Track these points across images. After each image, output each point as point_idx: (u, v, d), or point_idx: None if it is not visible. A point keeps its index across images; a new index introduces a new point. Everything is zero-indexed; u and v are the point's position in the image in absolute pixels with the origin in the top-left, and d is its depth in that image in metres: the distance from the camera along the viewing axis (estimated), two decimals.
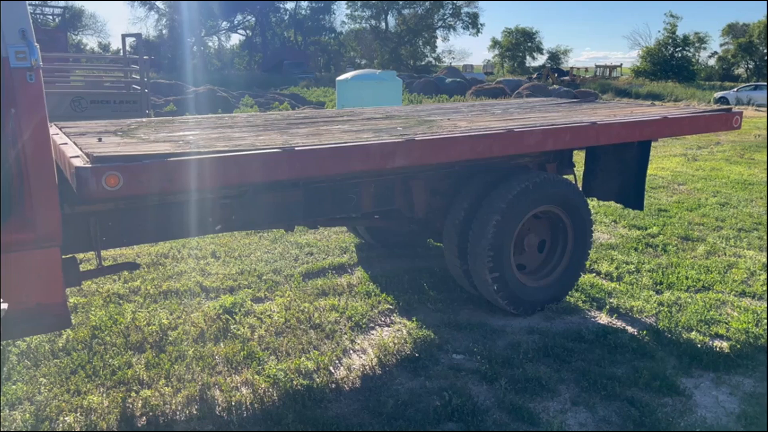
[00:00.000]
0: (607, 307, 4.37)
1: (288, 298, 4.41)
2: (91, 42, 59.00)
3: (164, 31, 53.28)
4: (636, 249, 5.75)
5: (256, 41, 57.04)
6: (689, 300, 4.51)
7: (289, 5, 57.09)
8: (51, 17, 38.96)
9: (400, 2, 59.71)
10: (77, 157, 2.84)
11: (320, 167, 3.24)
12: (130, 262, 3.81)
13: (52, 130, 3.74)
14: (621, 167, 4.88)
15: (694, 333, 3.98)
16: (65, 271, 3.13)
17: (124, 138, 3.46)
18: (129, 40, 18.47)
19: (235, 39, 60.62)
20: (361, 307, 4.26)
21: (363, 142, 3.40)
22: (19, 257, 2.74)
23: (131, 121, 4.39)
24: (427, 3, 59.24)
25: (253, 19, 56.36)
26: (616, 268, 5.16)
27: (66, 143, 3.21)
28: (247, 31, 58.00)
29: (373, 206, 4.14)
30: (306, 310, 4.21)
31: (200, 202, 3.53)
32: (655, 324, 4.13)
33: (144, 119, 4.75)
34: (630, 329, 4.06)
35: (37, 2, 45.04)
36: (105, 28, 56.74)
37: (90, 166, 2.66)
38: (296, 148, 3.13)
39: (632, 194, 4.87)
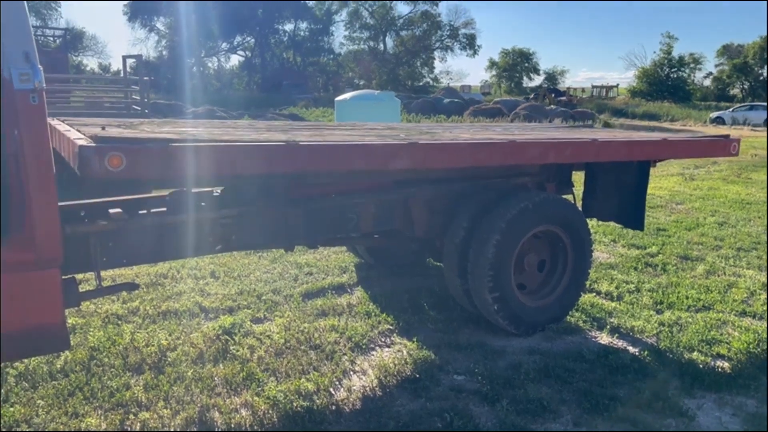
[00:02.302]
0: (608, 327, 4.36)
1: (288, 319, 4.39)
2: (91, 63, 59.49)
3: (164, 52, 53.69)
4: (635, 268, 5.75)
5: (255, 62, 57.47)
6: (690, 320, 4.50)
7: (288, 27, 57.60)
8: (52, 39, 39.31)
9: (398, 24, 60.39)
10: (81, 138, 2.83)
11: (322, 163, 3.24)
12: (130, 283, 3.79)
13: (54, 121, 3.75)
14: (620, 188, 4.90)
15: (695, 353, 3.96)
16: (65, 292, 3.11)
17: (127, 129, 3.47)
18: (129, 61, 18.64)
19: (235, 60, 61.07)
20: (361, 328, 4.24)
21: (366, 142, 3.43)
22: (19, 278, 2.73)
23: (135, 120, 4.41)
24: (425, 25, 59.88)
25: (253, 40, 56.84)
26: (616, 288, 5.15)
27: (69, 130, 3.21)
28: (247, 52, 58.47)
29: (372, 226, 4.15)
30: (306, 330, 4.19)
31: (200, 222, 3.54)
32: (656, 344, 4.11)
33: (146, 119, 4.78)
34: (631, 349, 4.04)
35: (38, 24, 45.44)
36: (105, 50, 57.32)
37: (94, 145, 2.65)
38: (300, 142, 3.14)
39: (632, 214, 4.88)
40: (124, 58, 15.74)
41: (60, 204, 3.69)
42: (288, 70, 55.30)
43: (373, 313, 4.51)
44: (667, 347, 4.05)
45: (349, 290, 5.09)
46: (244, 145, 2.99)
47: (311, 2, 57.75)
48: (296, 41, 57.33)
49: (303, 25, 57.87)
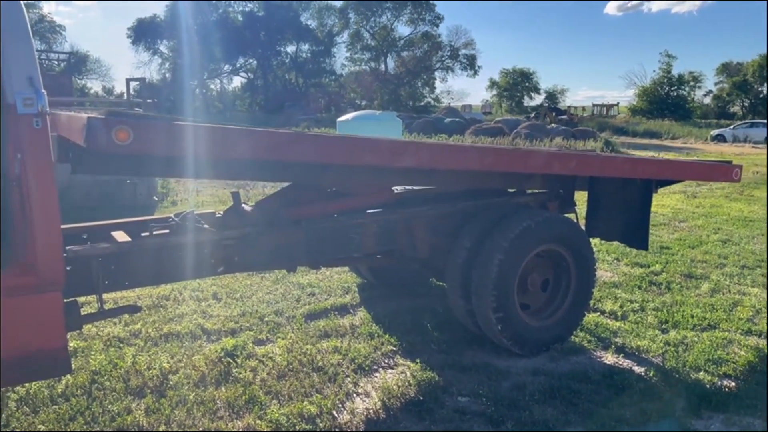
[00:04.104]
0: (613, 346, 4.32)
1: (290, 340, 4.36)
2: (95, 86, 60.01)
3: (167, 75, 54.15)
4: (639, 287, 5.72)
5: (257, 83, 57.93)
6: (696, 339, 4.46)
7: (290, 48, 58.17)
8: (57, 62, 39.70)
9: (399, 45, 60.93)
10: (88, 116, 2.85)
11: (328, 154, 3.27)
12: (131, 305, 3.78)
13: (59, 110, 3.74)
14: (624, 207, 4.89)
15: (702, 373, 3.92)
16: (66, 315, 3.10)
17: None
18: (133, 84, 18.80)
19: (237, 81, 61.54)
20: (364, 349, 4.22)
21: (373, 138, 3.47)
22: (21, 302, 2.72)
23: None
24: (426, 45, 60.40)
25: (255, 62, 57.35)
26: (621, 307, 5.12)
27: (74, 115, 3.21)
28: (249, 74, 58.96)
29: (375, 246, 4.15)
30: (308, 352, 4.16)
31: (202, 244, 3.54)
32: (662, 364, 4.08)
33: None
34: (637, 369, 4.00)
35: (43, 48, 45.90)
36: (109, 73, 57.81)
37: (102, 117, 2.66)
38: (307, 133, 3.17)
39: (636, 234, 4.86)
40: (128, 80, 15.92)
41: (63, 227, 3.72)
42: (290, 91, 55.68)
43: (376, 334, 4.48)
44: (673, 367, 4.01)
45: (351, 311, 5.06)
46: (251, 130, 3.08)
47: (313, 24, 58.44)
48: (298, 63, 57.83)
49: (305, 47, 58.47)
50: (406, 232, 4.26)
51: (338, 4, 59.29)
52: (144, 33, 52.87)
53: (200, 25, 50.52)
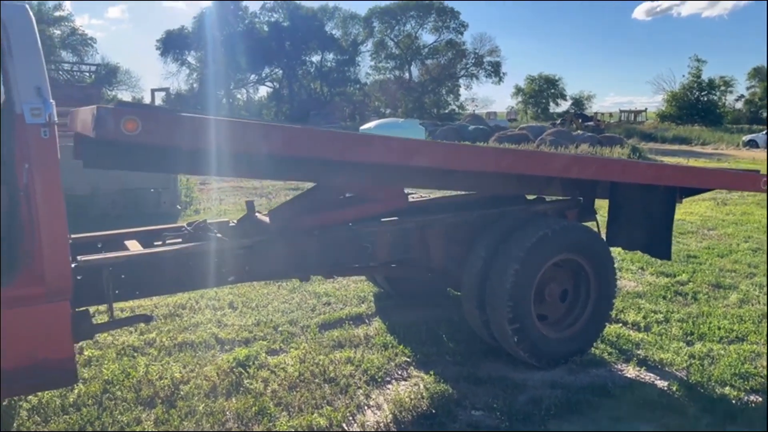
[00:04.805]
0: (635, 359, 4.18)
1: (303, 351, 4.31)
2: (125, 96, 61.03)
3: (195, 85, 55.09)
4: (664, 297, 5.55)
5: (283, 93, 58.52)
6: (722, 352, 4.29)
7: (315, 58, 58.69)
8: (88, 74, 40.62)
9: (423, 53, 61.00)
10: (97, 106, 2.86)
11: (340, 150, 3.25)
12: (144, 315, 3.77)
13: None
14: (646, 216, 4.72)
15: (728, 388, 3.76)
16: (77, 325, 3.10)
17: None
18: (159, 95, 19.10)
19: (263, 91, 62.29)
20: (378, 360, 4.15)
21: (386, 137, 3.42)
22: (28, 312, 2.73)
23: None
24: (450, 53, 60.37)
25: (281, 71, 57.99)
26: (644, 318, 4.96)
27: (86, 108, 3.22)
28: (275, 84, 59.63)
29: (389, 255, 4.08)
30: (321, 362, 4.10)
31: (214, 253, 3.52)
32: (686, 378, 3.92)
33: None
34: (659, 383, 3.86)
35: (75, 60, 47.04)
36: (139, 83, 58.91)
37: (111, 107, 2.68)
38: (318, 129, 3.14)
39: (659, 244, 4.69)
40: (153, 91, 16.19)
41: (74, 236, 3.74)
42: (315, 100, 56.14)
43: (390, 345, 4.41)
44: (698, 381, 3.86)
45: (366, 321, 5.00)
46: (261, 123, 3.13)
47: (338, 34, 58.89)
48: (323, 72, 58.32)
49: (330, 56, 58.99)
50: (421, 240, 4.18)
51: (363, 12, 59.71)
52: (172, 44, 53.93)
53: (227, 35, 51.31)
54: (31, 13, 2.76)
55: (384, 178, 3.85)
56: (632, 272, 6.42)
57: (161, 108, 3.22)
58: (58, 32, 54.84)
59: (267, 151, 3.10)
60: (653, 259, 6.66)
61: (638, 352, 4.32)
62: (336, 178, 3.75)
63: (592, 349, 4.30)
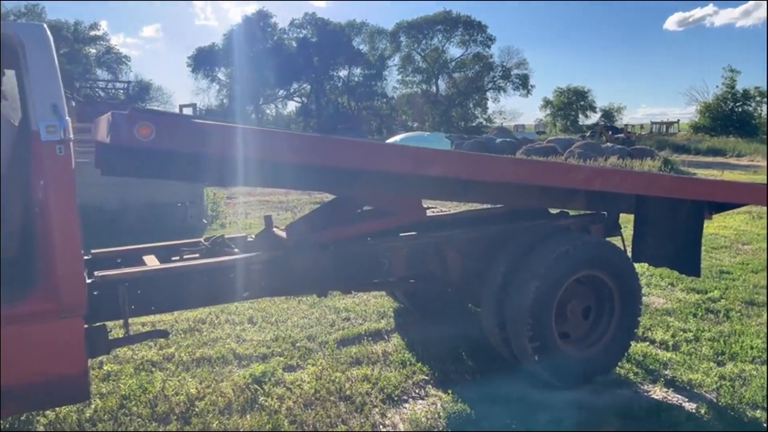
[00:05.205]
0: (662, 380, 4.03)
1: (320, 367, 4.26)
2: None
3: (224, 101, 56.02)
4: (695, 315, 5.37)
5: (311, 107, 59.11)
6: (755, 373, 4.11)
7: (343, 73, 59.21)
8: (122, 91, 41.64)
9: (451, 66, 61.05)
10: (112, 112, 2.88)
11: (353, 159, 3.23)
12: (160, 330, 3.77)
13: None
14: (673, 231, 4.57)
15: (759, 411, 3.60)
16: (93, 340, 3.11)
17: None
18: (187, 110, 19.45)
19: (292, 106, 63.05)
20: (395, 378, 4.08)
21: (402, 145, 3.38)
22: (42, 328, 2.74)
23: None
24: (477, 66, 60.29)
25: (309, 86, 58.63)
26: (672, 336, 4.80)
27: (104, 116, 3.26)
28: (303, 98, 60.27)
29: (406, 271, 4.02)
30: (337, 380, 4.05)
31: (229, 268, 3.50)
32: (716, 400, 3.76)
33: None
34: (688, 406, 3.71)
35: (109, 78, 48.28)
36: (170, 100, 59.95)
37: (125, 113, 2.69)
38: (333, 137, 3.13)
39: (687, 260, 4.52)
40: (181, 107, 16.49)
41: (94, 251, 3.77)
42: (342, 114, 56.58)
43: (408, 362, 4.33)
44: (729, 404, 3.70)
45: (385, 337, 4.94)
46: (276, 131, 3.16)
47: (365, 48, 59.34)
48: (350, 86, 58.77)
49: (357, 71, 59.40)
50: (439, 256, 4.12)
51: (390, 27, 60.12)
52: (203, 61, 55.00)
53: (256, 52, 52.13)
54: (48, 33, 2.80)
55: (402, 190, 3.80)
56: (661, 288, 6.23)
57: (176, 114, 3.23)
58: (93, 51, 56.43)
59: (265, 157, 3.09)
60: (683, 275, 6.47)
61: (666, 372, 4.17)
62: (354, 188, 3.72)
63: (617, 368, 4.17)
